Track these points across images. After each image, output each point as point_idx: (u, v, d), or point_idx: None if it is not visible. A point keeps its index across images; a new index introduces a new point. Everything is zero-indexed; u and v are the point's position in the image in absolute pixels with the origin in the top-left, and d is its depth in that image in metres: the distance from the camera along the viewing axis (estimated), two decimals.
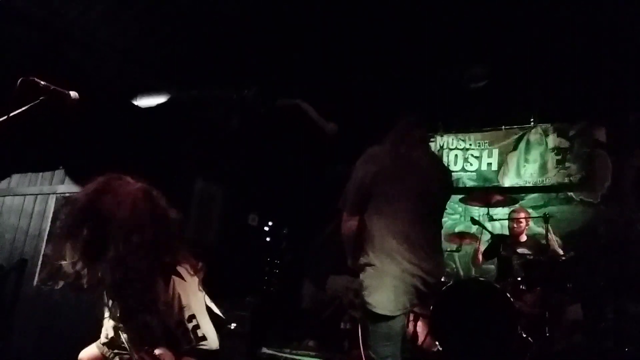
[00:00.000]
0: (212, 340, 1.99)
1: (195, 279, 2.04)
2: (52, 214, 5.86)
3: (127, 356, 2.18)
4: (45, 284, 5.50)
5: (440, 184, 2.70)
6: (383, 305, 2.43)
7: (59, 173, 5.95)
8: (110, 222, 1.85)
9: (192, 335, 1.92)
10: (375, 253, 2.50)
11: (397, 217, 2.51)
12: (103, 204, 1.87)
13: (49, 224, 5.83)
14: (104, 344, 2.21)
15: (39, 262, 5.72)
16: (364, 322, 2.56)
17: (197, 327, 1.94)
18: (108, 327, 2.21)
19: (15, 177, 6.34)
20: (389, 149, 2.69)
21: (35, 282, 5.64)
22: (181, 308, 1.92)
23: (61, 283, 5.13)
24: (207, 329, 1.99)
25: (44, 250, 5.74)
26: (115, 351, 2.20)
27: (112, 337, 2.16)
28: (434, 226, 2.69)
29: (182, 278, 1.98)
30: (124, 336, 2.10)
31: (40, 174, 6.12)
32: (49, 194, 5.98)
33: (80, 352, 2.33)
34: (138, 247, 1.85)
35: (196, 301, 1.99)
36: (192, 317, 1.94)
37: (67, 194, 5.80)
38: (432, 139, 5.61)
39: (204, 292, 2.11)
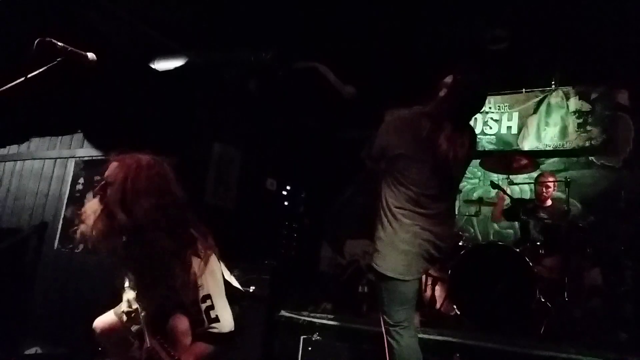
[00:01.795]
0: (226, 323, 2.01)
1: (212, 257, 2.06)
2: (71, 177, 5.92)
3: (141, 324, 2.22)
4: (65, 247, 5.67)
5: (460, 157, 2.56)
6: (395, 269, 2.46)
7: (78, 137, 5.97)
8: (127, 188, 1.98)
9: (204, 317, 1.95)
10: (389, 216, 2.51)
11: (415, 184, 2.50)
12: (122, 171, 2.03)
13: (68, 187, 5.89)
14: (124, 312, 2.23)
15: (59, 226, 5.82)
16: (378, 287, 2.57)
17: (210, 307, 1.96)
18: (130, 297, 2.24)
19: (35, 141, 6.38)
20: (418, 118, 2.59)
21: (55, 245, 5.75)
22: (196, 287, 1.94)
23: (81, 246, 5.32)
24: (222, 311, 2.00)
25: (64, 214, 5.84)
26: (131, 321, 2.22)
27: (135, 309, 2.17)
28: (448, 194, 2.67)
29: (199, 256, 2.00)
30: (142, 314, 2.12)
31: (59, 138, 6.15)
32: (67, 157, 6.02)
33: (98, 315, 2.37)
34: (152, 211, 1.94)
35: (213, 281, 2.01)
36: (207, 297, 1.97)
37: (86, 158, 5.84)
38: None
39: (221, 266, 2.15)
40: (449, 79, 2.64)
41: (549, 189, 4.40)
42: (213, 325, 1.97)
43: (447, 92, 2.58)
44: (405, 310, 2.50)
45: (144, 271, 2.03)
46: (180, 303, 1.98)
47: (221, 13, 4.19)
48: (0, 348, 4.61)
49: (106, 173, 2.11)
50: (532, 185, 4.67)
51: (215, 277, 2.05)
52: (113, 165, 2.13)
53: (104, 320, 2.33)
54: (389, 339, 2.47)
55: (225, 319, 2.01)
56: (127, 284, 2.29)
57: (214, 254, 2.08)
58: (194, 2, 4.16)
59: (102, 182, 2.09)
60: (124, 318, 2.25)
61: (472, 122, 5.20)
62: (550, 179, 4.45)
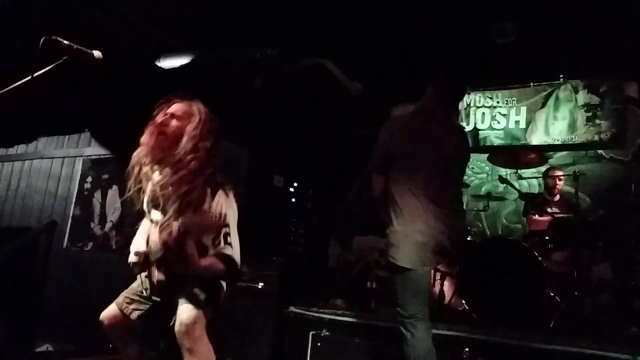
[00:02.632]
0: (236, 251, 2.31)
1: (232, 195, 2.36)
2: (79, 176, 5.95)
3: (144, 309, 2.31)
4: (74, 246, 5.71)
5: (456, 148, 2.77)
6: (410, 260, 2.53)
7: (85, 136, 6.00)
8: (201, 126, 2.30)
9: (222, 238, 2.25)
10: (400, 210, 2.61)
11: (419, 177, 2.62)
12: (196, 111, 2.36)
13: (76, 186, 5.93)
14: (132, 263, 2.35)
15: (68, 224, 5.86)
16: (392, 280, 2.63)
17: (228, 234, 2.27)
18: (139, 237, 2.38)
19: (42, 141, 6.43)
20: (411, 115, 2.85)
21: (64, 244, 5.79)
22: (221, 214, 2.23)
23: (90, 244, 5.39)
24: (234, 240, 2.31)
25: (73, 212, 5.88)
26: (133, 307, 2.31)
27: (143, 252, 2.28)
28: (453, 186, 2.80)
29: (226, 193, 2.31)
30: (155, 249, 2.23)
31: (67, 137, 6.19)
32: (75, 156, 6.06)
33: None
34: (210, 150, 2.24)
35: (232, 214, 2.33)
36: (227, 225, 2.27)
37: (94, 157, 5.87)
38: None
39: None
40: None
41: (561, 182, 4.39)
42: (227, 246, 2.25)
43: (431, 85, 2.87)
44: (419, 303, 2.56)
45: (184, 196, 2.18)
46: (203, 228, 2.22)
47: (227, 11, 4.19)
48: (11, 346, 4.65)
49: (172, 109, 2.37)
50: (541, 179, 4.65)
51: (234, 211, 2.34)
52: (180, 105, 2.39)
53: (108, 312, 2.37)
54: (404, 331, 2.52)
55: (236, 248, 2.30)
56: (144, 225, 2.39)
57: (233, 193, 2.36)
58: (199, 0, 4.15)
59: (169, 115, 2.35)
60: (124, 306, 2.33)
61: (480, 117, 5.31)
62: (560, 173, 4.43)
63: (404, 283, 2.57)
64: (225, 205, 2.27)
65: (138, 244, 2.38)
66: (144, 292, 2.34)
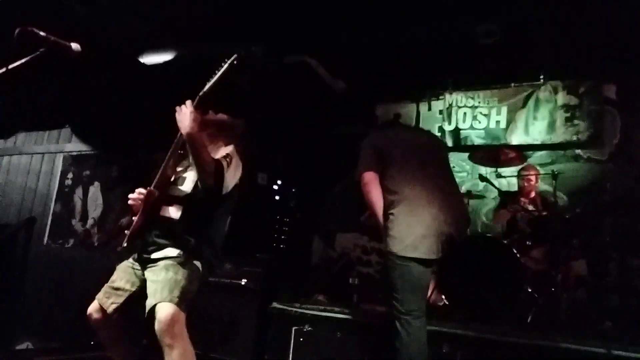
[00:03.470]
0: (229, 179, 2.41)
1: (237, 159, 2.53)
2: (60, 172, 5.88)
3: (119, 302, 2.33)
4: (55, 242, 5.66)
5: (433, 142, 3.12)
6: (416, 249, 2.52)
7: (66, 132, 5.93)
8: None
9: (223, 156, 2.42)
10: (403, 203, 2.63)
11: (413, 171, 2.73)
12: None
13: (57, 182, 5.87)
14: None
15: (49, 221, 5.79)
16: (391, 274, 2.60)
17: (228, 161, 2.41)
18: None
19: (21, 136, 6.33)
20: (389, 127, 3.24)
21: (45, 241, 5.72)
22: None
23: (71, 241, 5.37)
24: (230, 174, 2.40)
25: (53, 209, 5.81)
26: (111, 300, 2.33)
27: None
28: (448, 177, 2.95)
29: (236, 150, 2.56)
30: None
31: (47, 132, 6.11)
32: (56, 152, 5.99)
33: (86, 310, 2.44)
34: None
35: (235, 164, 2.47)
36: (229, 157, 2.43)
37: (75, 153, 5.81)
38: (440, 97, 5.55)
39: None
40: None
41: (531, 181, 4.49)
42: (225, 162, 2.37)
43: None
44: (418, 299, 2.55)
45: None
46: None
47: (211, 7, 4.18)
48: None
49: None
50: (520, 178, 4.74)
51: (238, 166, 2.49)
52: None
53: (92, 306, 2.40)
54: (399, 327, 2.49)
55: (228, 179, 2.37)
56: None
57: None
58: None
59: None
60: (101, 297, 2.35)
61: (461, 116, 5.38)
62: (532, 171, 4.53)
63: (405, 277, 2.53)
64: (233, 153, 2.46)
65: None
66: (127, 242, 2.38)
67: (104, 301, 2.34)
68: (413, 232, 2.55)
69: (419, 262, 2.55)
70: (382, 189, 2.76)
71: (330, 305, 3.69)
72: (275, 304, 3.66)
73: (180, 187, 2.42)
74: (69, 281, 5.22)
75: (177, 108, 2.31)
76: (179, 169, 2.49)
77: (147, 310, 2.15)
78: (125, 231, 2.41)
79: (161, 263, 2.26)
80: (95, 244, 5.28)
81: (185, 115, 2.26)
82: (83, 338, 4.17)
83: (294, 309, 3.54)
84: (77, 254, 5.36)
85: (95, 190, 5.58)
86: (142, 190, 2.40)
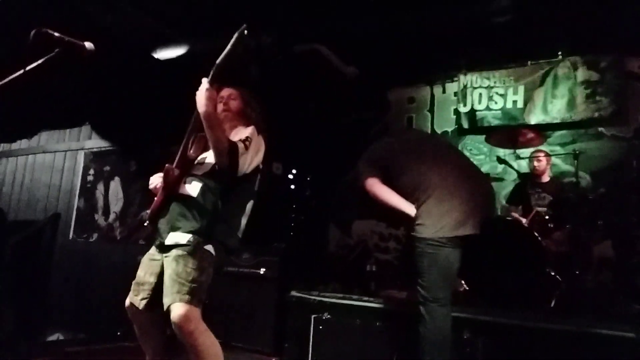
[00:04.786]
0: (243, 162, 2.37)
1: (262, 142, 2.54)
2: (81, 169, 6.02)
3: (148, 296, 2.33)
4: (80, 237, 5.78)
5: (437, 137, 3.36)
6: (452, 227, 2.50)
7: (86, 129, 6.05)
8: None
9: (240, 137, 2.38)
10: (430, 199, 2.58)
11: (432, 165, 2.70)
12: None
13: (79, 179, 6.00)
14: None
15: (73, 216, 5.93)
16: (420, 260, 2.56)
17: (247, 144, 2.37)
18: None
19: (44, 135, 6.49)
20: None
21: (70, 235, 5.87)
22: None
23: (95, 235, 5.47)
24: (245, 156, 2.38)
25: (77, 204, 5.95)
26: (140, 297, 2.34)
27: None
28: (468, 162, 2.96)
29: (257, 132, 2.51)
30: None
31: (68, 130, 6.25)
32: (77, 150, 6.13)
33: (115, 300, 2.48)
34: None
35: (255, 145, 2.43)
36: (248, 140, 2.39)
37: (95, 149, 5.93)
38: (455, 78, 5.46)
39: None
40: None
41: (541, 163, 4.38)
42: (242, 144, 2.32)
43: None
44: (447, 286, 2.53)
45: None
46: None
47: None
48: (23, 336, 4.74)
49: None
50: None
51: (259, 148, 2.46)
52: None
53: (127, 303, 2.41)
54: (424, 313, 2.47)
55: (243, 160, 2.33)
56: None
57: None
58: None
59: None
60: (132, 296, 2.37)
61: (477, 97, 5.27)
62: (540, 154, 4.42)
63: (435, 263, 2.50)
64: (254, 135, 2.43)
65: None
66: (146, 218, 2.42)
67: (134, 299, 2.34)
68: (447, 216, 2.53)
69: (453, 244, 2.53)
70: (403, 181, 2.73)
71: (348, 292, 3.70)
72: (293, 292, 3.69)
73: (201, 167, 2.42)
74: (94, 274, 5.36)
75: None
76: (204, 154, 2.47)
77: (164, 306, 2.16)
78: (147, 212, 2.44)
79: (172, 253, 2.23)
80: (118, 238, 5.40)
81: (200, 93, 2.26)
82: (110, 328, 4.29)
83: (313, 297, 3.56)
84: (101, 247, 5.49)
85: (115, 185, 5.69)
86: (162, 174, 2.42)
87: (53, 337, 5.14)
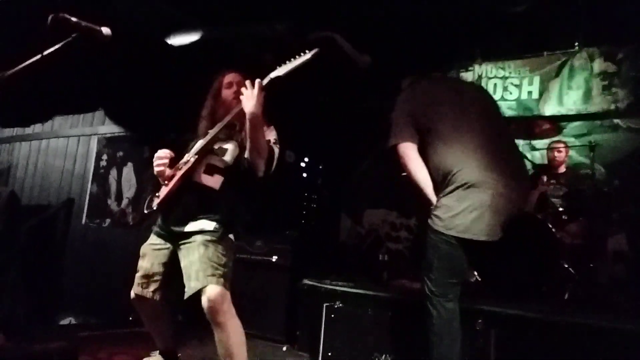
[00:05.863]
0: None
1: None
2: (94, 154, 6.04)
3: (157, 287, 2.35)
4: (93, 222, 5.83)
5: (490, 104, 2.63)
6: (468, 229, 2.27)
7: (99, 114, 6.07)
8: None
9: (272, 139, 2.44)
10: (456, 181, 2.33)
11: (468, 141, 2.38)
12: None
13: (92, 164, 6.03)
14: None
15: (86, 201, 5.98)
16: (430, 252, 2.40)
17: (275, 143, 2.46)
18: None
19: (58, 120, 6.52)
20: (426, 84, 2.64)
21: (83, 220, 5.92)
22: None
23: (108, 221, 5.51)
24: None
25: (90, 190, 5.99)
26: (151, 288, 2.36)
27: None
28: (508, 143, 2.58)
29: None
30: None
31: (81, 115, 6.27)
32: (90, 135, 6.15)
33: (126, 285, 2.50)
34: None
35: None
36: (276, 140, 2.46)
37: (108, 135, 5.95)
38: (470, 68, 5.40)
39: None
40: None
41: (561, 154, 4.34)
42: (275, 147, 2.40)
43: None
44: (455, 284, 2.37)
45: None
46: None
47: None
48: (36, 319, 4.81)
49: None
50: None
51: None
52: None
53: (132, 296, 2.44)
54: (430, 308, 2.35)
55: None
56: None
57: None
58: None
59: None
60: (137, 288, 2.37)
61: (492, 88, 5.22)
62: (559, 145, 4.38)
63: (445, 259, 2.34)
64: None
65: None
66: (152, 206, 2.39)
67: (144, 291, 2.36)
68: (467, 215, 2.28)
69: (466, 245, 2.31)
70: (434, 160, 2.43)
71: (360, 281, 3.70)
72: (306, 281, 3.69)
73: (222, 158, 2.38)
74: (106, 259, 5.40)
75: (246, 83, 2.26)
76: (223, 144, 2.44)
77: (189, 293, 2.16)
78: (157, 194, 2.38)
79: (197, 238, 2.23)
80: (130, 223, 5.43)
81: (252, 95, 2.20)
82: (122, 313, 4.33)
83: (325, 286, 3.57)
84: (114, 233, 5.52)
85: (128, 171, 5.71)
86: (166, 150, 2.40)
87: (65, 321, 5.21)
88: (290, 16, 4.41)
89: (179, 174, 2.32)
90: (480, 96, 2.67)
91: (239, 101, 2.35)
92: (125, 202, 5.59)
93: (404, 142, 2.44)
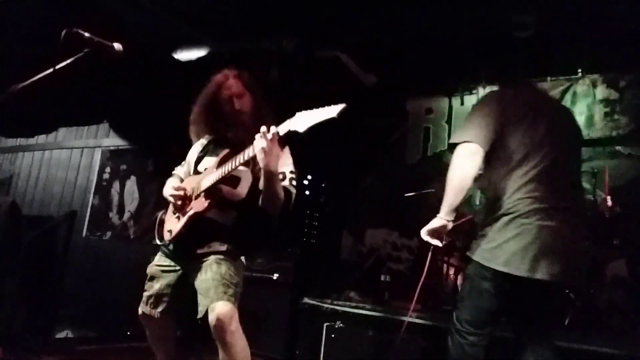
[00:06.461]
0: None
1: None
2: (98, 166, 6.06)
3: (165, 307, 2.33)
4: (93, 235, 5.80)
5: (570, 127, 2.34)
6: (513, 262, 2.01)
7: (104, 127, 6.09)
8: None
9: (289, 175, 2.31)
10: (508, 204, 2.08)
11: (531, 166, 2.11)
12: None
13: (95, 176, 6.04)
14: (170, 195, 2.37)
15: (87, 214, 5.97)
16: (469, 285, 2.19)
17: (293, 177, 2.34)
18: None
19: (62, 131, 6.54)
20: (515, 92, 2.31)
21: (84, 233, 5.91)
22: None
23: (109, 234, 5.49)
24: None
25: (92, 202, 5.98)
26: (159, 308, 2.33)
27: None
28: (574, 180, 2.29)
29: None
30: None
31: (86, 127, 6.29)
32: (94, 147, 6.17)
33: (126, 299, 2.48)
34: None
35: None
36: (293, 171, 2.37)
37: (112, 148, 5.96)
38: (474, 91, 5.44)
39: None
40: None
41: None
42: (292, 187, 2.28)
43: None
44: (487, 324, 2.12)
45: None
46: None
47: (242, 2, 4.20)
48: (32, 332, 4.77)
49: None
50: None
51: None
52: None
53: (140, 313, 2.42)
54: (450, 343, 2.15)
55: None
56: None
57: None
58: None
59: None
60: (145, 308, 2.36)
61: None
62: None
63: (479, 292, 2.10)
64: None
65: (175, 182, 2.44)
66: (164, 240, 2.33)
67: (152, 311, 2.34)
68: (510, 243, 2.04)
69: (504, 280, 2.05)
70: (489, 178, 2.20)
71: (361, 301, 3.69)
72: (306, 299, 3.68)
73: (235, 190, 2.28)
74: (106, 272, 5.38)
75: (261, 129, 2.02)
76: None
77: (202, 311, 2.13)
78: (168, 230, 2.35)
79: (211, 257, 2.22)
80: (132, 237, 5.42)
81: (269, 148, 1.99)
82: (120, 328, 4.30)
83: (326, 305, 3.55)
84: (115, 246, 5.51)
85: (131, 184, 5.72)
86: (181, 186, 2.37)
87: (62, 334, 5.16)
88: (296, 33, 4.47)
89: (190, 212, 2.26)
90: (562, 119, 2.35)
91: (238, 109, 2.34)
92: (127, 215, 5.59)
93: (470, 143, 2.10)
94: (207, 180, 2.25)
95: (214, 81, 2.54)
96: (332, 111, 1.93)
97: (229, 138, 2.39)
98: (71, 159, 6.39)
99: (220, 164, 2.26)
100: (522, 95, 2.27)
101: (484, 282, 2.10)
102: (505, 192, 2.11)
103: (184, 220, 2.27)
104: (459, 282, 4.04)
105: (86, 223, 5.92)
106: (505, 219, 2.08)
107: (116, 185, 5.86)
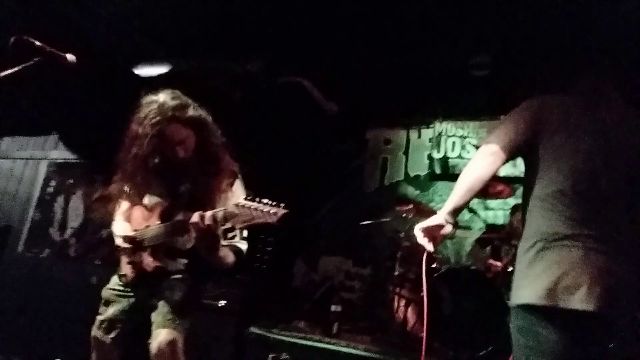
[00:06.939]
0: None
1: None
2: (42, 179, 5.77)
3: (117, 333, 2.26)
4: (31, 251, 5.50)
5: (634, 147, 1.82)
6: (549, 294, 1.59)
7: (52, 138, 5.84)
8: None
9: (239, 232, 2.27)
10: (557, 233, 1.68)
11: (570, 184, 1.73)
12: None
13: (38, 189, 5.75)
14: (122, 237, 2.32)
15: (26, 229, 5.64)
16: (514, 339, 1.70)
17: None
18: (122, 223, 2.40)
19: (6, 140, 6.22)
20: (559, 99, 1.95)
21: (20, 248, 5.57)
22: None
23: (47, 251, 5.22)
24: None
25: (32, 216, 5.67)
26: (112, 334, 2.26)
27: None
28: (625, 201, 1.77)
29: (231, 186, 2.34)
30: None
31: (32, 138, 6.02)
32: (40, 159, 5.89)
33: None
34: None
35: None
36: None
37: (60, 160, 5.71)
38: (431, 125, 5.58)
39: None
40: None
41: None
42: (243, 242, 2.26)
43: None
44: None
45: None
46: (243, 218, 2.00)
47: (208, 20, 4.18)
48: None
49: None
50: (506, 211, 4.73)
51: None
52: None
53: (93, 338, 2.32)
54: None
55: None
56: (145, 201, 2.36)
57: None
58: (181, 8, 4.12)
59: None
60: (122, 253, 2.31)
61: (450, 145, 5.40)
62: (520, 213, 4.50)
63: (538, 343, 1.60)
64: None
65: (124, 229, 2.36)
66: (121, 281, 2.30)
67: (105, 337, 2.27)
68: (542, 274, 1.64)
69: (565, 321, 1.58)
70: (528, 202, 1.87)
71: (310, 332, 3.61)
72: (253, 329, 3.58)
73: (180, 239, 2.24)
74: (40, 292, 5.06)
75: (195, 217, 1.99)
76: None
77: (152, 338, 2.10)
78: (122, 274, 2.33)
79: (163, 285, 2.21)
80: (72, 255, 5.14)
81: (202, 234, 1.98)
82: (48, 353, 4.03)
83: (272, 335, 3.46)
84: (53, 264, 5.21)
85: (77, 199, 5.47)
86: (128, 235, 2.30)
87: None
88: (261, 57, 4.47)
89: (140, 266, 2.25)
90: (616, 130, 1.84)
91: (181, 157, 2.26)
92: (69, 232, 5.31)
93: (491, 144, 1.84)
94: (152, 238, 2.23)
95: (148, 124, 2.34)
96: (272, 217, 1.87)
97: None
98: (14, 169, 6.06)
99: (164, 217, 2.24)
100: (569, 104, 1.90)
101: (544, 329, 1.60)
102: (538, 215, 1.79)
103: (135, 271, 2.27)
104: (408, 314, 4.03)
105: (23, 238, 5.59)
106: (543, 245, 1.70)
107: (60, 200, 5.58)
